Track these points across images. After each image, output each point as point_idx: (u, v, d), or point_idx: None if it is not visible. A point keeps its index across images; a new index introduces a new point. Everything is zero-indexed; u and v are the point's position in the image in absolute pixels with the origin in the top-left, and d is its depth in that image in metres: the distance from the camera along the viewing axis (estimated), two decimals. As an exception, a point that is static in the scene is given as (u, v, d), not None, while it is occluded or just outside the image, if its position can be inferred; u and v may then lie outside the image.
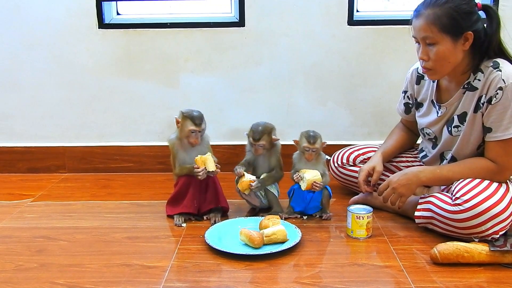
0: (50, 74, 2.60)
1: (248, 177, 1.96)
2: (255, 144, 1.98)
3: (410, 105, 2.10)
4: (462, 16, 1.71)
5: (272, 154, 2.03)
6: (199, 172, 1.91)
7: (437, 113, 1.92)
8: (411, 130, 2.19)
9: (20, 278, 1.59)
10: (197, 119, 1.92)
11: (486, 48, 1.76)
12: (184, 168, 1.97)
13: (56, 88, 2.62)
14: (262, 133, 1.97)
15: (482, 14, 1.78)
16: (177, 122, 1.97)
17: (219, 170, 1.95)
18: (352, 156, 2.22)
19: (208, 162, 1.92)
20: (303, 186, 1.93)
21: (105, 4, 2.55)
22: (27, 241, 1.85)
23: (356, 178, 2.14)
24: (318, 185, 1.92)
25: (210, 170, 1.92)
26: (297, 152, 2.03)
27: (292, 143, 2.02)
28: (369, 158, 2.14)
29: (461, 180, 1.78)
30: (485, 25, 1.76)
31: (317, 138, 1.96)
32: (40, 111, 2.65)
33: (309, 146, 1.94)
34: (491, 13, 1.76)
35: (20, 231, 1.94)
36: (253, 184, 1.95)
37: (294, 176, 1.97)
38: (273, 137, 2.00)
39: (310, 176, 1.92)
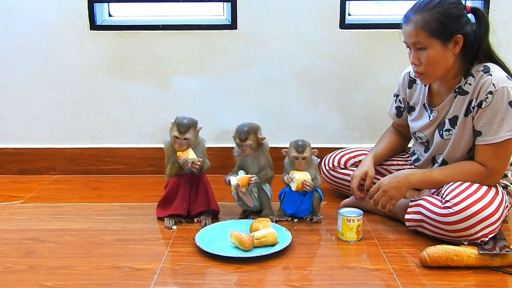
0: (41, 76, 2.59)
1: (241, 176, 1.97)
2: (242, 145, 1.97)
3: (402, 109, 2.11)
4: (451, 20, 1.71)
5: (260, 154, 2.03)
6: (182, 159, 1.91)
7: (429, 117, 1.93)
8: (402, 133, 2.19)
9: (8, 280, 1.58)
10: (182, 127, 1.91)
11: (476, 51, 1.77)
12: (173, 167, 1.97)
13: (47, 90, 2.60)
14: (248, 133, 1.97)
15: (471, 17, 1.78)
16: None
17: (200, 163, 1.94)
18: (343, 159, 2.22)
19: (189, 153, 1.93)
20: (294, 186, 1.93)
21: (97, 6, 2.54)
22: (16, 243, 1.84)
23: (347, 181, 2.15)
24: (308, 184, 1.92)
25: (190, 157, 1.92)
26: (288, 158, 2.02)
27: (284, 146, 2.02)
28: (360, 161, 2.14)
29: (451, 183, 1.79)
30: (474, 28, 1.77)
31: (306, 147, 1.95)
32: (30, 113, 2.63)
33: (298, 155, 1.94)
34: (480, 15, 1.77)
35: (9, 233, 1.92)
36: (252, 179, 1.95)
37: (284, 177, 1.97)
38: (259, 136, 2.00)
39: (300, 176, 1.92)
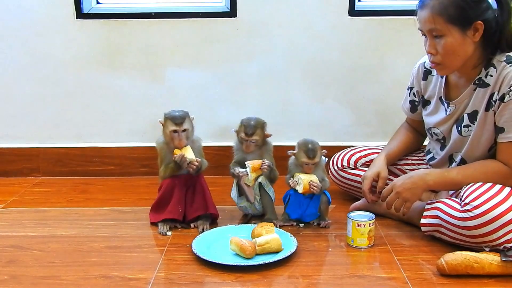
0: (23, 69, 2.59)
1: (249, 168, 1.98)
2: (248, 140, 1.98)
3: (416, 103, 2.11)
4: (470, 4, 1.71)
5: (264, 153, 2.03)
6: (178, 157, 1.91)
7: (446, 111, 1.93)
8: (417, 130, 2.19)
9: (-12, 291, 1.60)
10: (177, 119, 1.93)
11: (498, 39, 1.76)
12: (168, 168, 1.98)
13: (29, 84, 2.61)
14: (255, 128, 1.98)
15: (493, 2, 1.77)
16: (162, 125, 1.98)
17: (197, 162, 1.95)
18: (353, 159, 2.23)
19: (187, 151, 1.93)
20: (300, 189, 1.93)
21: (83, -8, 2.55)
22: (-3, 251, 1.85)
23: (358, 182, 2.15)
24: (315, 184, 1.92)
25: (189, 157, 1.92)
26: (293, 157, 2.02)
27: (288, 144, 2.02)
28: (371, 160, 2.15)
29: (470, 184, 1.79)
30: (496, 14, 1.77)
31: (317, 151, 1.95)
32: (11, 109, 2.64)
33: (309, 161, 1.94)
34: (502, 1, 1.76)
35: (-11, 240, 1.94)
36: (264, 163, 1.96)
37: (289, 181, 1.98)
38: (266, 132, 2.02)
39: (306, 176, 1.93)
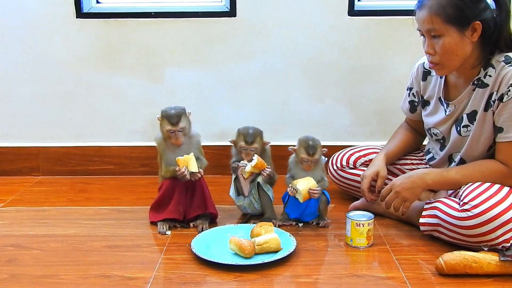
0: (23, 68, 2.60)
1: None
2: (248, 148, 1.98)
3: (416, 103, 2.12)
4: (468, 4, 1.72)
5: (264, 159, 2.03)
6: (180, 172, 1.91)
7: (445, 111, 1.94)
8: (416, 130, 2.20)
9: (-12, 291, 1.60)
10: (173, 118, 1.92)
11: (497, 39, 1.77)
12: (168, 171, 1.98)
13: (29, 84, 2.61)
14: (254, 136, 1.98)
15: (491, 2, 1.78)
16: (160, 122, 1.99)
17: (200, 174, 1.96)
18: (353, 158, 2.24)
19: (190, 162, 1.93)
20: (300, 198, 1.92)
21: (83, -8, 2.56)
22: (-3, 250, 1.86)
23: (357, 182, 2.16)
24: (315, 191, 1.92)
25: (192, 170, 1.92)
26: (294, 155, 2.02)
27: (288, 143, 2.02)
28: (371, 160, 2.16)
29: (469, 183, 1.79)
30: (494, 14, 1.77)
31: (317, 147, 1.95)
32: (11, 109, 2.65)
33: (309, 158, 1.95)
34: (500, 0, 1.77)
35: (-12, 239, 1.94)
36: (267, 169, 1.96)
37: (288, 189, 1.97)
38: (264, 140, 2.02)
39: (303, 186, 1.92)
